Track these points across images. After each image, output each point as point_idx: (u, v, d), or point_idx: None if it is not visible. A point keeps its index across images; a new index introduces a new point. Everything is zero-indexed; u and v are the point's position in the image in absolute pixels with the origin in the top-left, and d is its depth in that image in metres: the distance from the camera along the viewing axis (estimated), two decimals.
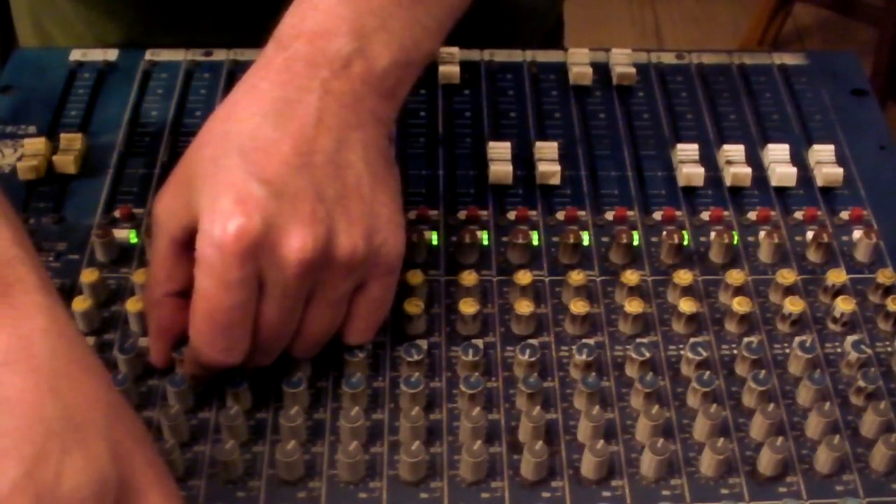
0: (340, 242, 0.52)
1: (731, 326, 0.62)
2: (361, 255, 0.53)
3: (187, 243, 0.53)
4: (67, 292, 0.61)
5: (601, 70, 0.78)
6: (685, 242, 0.66)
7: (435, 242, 0.66)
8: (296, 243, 0.51)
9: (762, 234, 0.66)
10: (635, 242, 0.66)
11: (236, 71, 0.76)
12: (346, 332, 0.57)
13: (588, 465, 0.54)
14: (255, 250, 0.50)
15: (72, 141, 0.70)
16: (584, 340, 0.60)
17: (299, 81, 0.54)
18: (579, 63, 0.78)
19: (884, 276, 0.63)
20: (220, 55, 0.78)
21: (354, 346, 0.58)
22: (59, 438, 0.43)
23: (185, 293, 0.54)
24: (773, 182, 0.70)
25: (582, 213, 0.68)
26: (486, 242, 0.66)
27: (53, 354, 0.45)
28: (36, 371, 0.44)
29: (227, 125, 0.54)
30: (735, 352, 0.60)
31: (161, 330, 0.56)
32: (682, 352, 0.60)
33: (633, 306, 0.61)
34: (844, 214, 0.69)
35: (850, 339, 0.61)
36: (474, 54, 0.79)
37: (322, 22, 0.55)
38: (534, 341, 0.60)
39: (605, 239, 0.66)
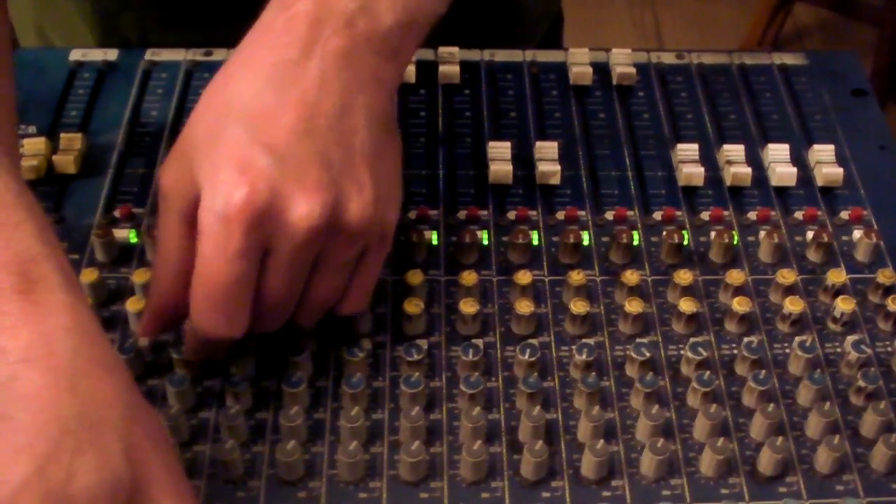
0: (350, 208, 0.52)
1: (731, 326, 0.62)
2: (369, 221, 0.53)
3: (195, 216, 0.52)
4: None
5: (601, 70, 0.78)
6: (685, 242, 0.66)
7: (435, 242, 0.66)
8: (303, 210, 0.50)
9: (762, 233, 0.66)
10: (635, 242, 0.66)
11: None
12: (341, 302, 0.56)
13: (588, 465, 0.54)
14: (260, 220, 0.50)
15: (72, 141, 0.70)
16: (584, 340, 0.60)
17: (300, 43, 0.53)
18: (579, 63, 0.78)
19: (884, 276, 0.63)
20: (220, 55, 0.78)
21: (347, 315, 0.57)
22: (74, 437, 0.43)
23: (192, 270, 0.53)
24: (773, 182, 0.70)
25: (582, 213, 0.68)
26: (486, 242, 0.66)
27: (74, 353, 0.45)
28: (55, 369, 0.44)
29: (226, 94, 0.53)
30: (735, 352, 0.60)
31: (160, 307, 0.55)
32: (682, 352, 0.60)
33: (633, 306, 0.61)
34: (844, 214, 0.69)
35: (850, 339, 0.61)
36: (474, 54, 0.79)
37: None
38: (534, 341, 0.60)
39: (605, 239, 0.66)
